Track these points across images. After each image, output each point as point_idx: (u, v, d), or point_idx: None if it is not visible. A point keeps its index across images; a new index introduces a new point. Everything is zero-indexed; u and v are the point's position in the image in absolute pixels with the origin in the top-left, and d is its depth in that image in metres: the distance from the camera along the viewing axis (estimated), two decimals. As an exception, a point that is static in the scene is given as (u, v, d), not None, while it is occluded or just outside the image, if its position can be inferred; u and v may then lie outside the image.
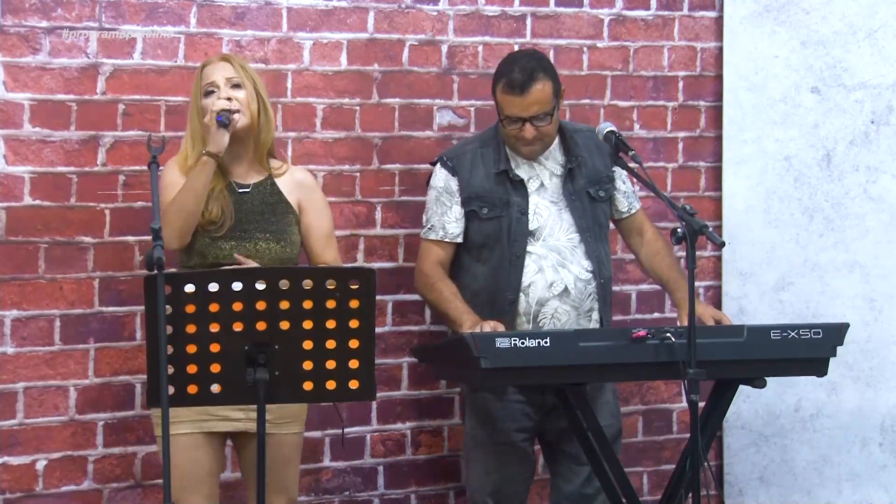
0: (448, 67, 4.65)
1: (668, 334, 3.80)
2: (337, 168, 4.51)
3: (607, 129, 4.10)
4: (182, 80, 4.23)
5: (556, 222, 4.18)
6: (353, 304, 3.38)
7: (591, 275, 4.16)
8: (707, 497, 3.73)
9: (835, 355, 3.98)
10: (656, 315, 4.88)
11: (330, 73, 4.50)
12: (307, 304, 3.35)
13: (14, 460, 4.12)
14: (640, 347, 3.81)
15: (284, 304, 3.34)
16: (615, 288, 4.50)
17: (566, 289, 4.14)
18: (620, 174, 4.30)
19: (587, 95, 4.83)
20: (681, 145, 4.99)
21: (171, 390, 3.28)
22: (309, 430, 4.46)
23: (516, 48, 4.68)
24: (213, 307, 3.31)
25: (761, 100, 4.99)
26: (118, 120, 4.22)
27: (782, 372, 4.10)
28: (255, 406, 3.70)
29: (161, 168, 3.66)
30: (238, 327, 3.33)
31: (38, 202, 4.13)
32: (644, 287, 4.83)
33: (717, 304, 4.97)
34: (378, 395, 4.37)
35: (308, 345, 3.37)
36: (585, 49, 4.81)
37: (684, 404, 4.38)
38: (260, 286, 3.32)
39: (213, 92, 3.84)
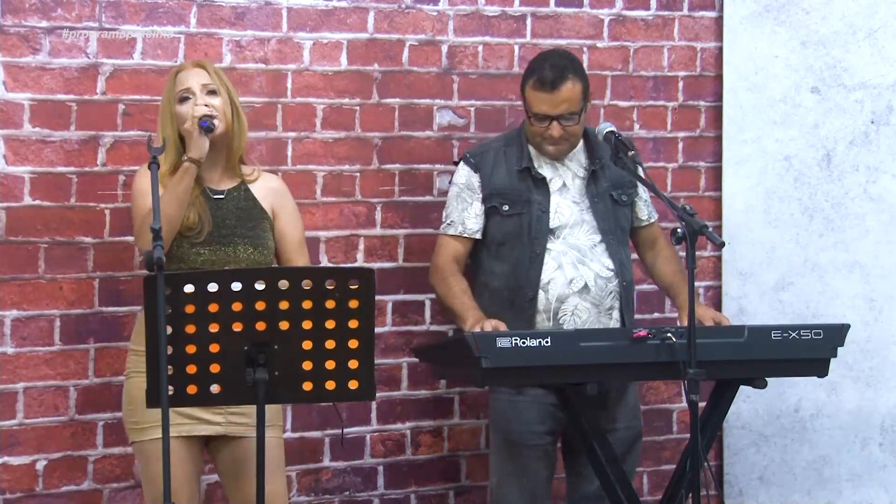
0: (448, 67, 4.65)
1: (669, 334, 3.80)
2: (337, 168, 4.51)
3: (607, 130, 4.10)
4: (182, 80, 4.24)
5: (578, 222, 4.19)
6: (353, 304, 3.37)
7: (612, 273, 4.16)
8: (707, 497, 3.73)
9: (835, 356, 3.98)
10: (656, 315, 4.88)
11: (330, 73, 4.50)
12: (307, 305, 3.35)
13: (14, 460, 4.12)
14: (640, 347, 3.81)
15: (284, 305, 3.34)
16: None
17: (586, 285, 4.14)
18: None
19: (587, 95, 4.83)
20: (681, 145, 4.99)
21: (171, 390, 3.28)
22: (309, 430, 4.47)
23: (516, 48, 4.69)
24: (213, 307, 3.31)
25: (761, 100, 4.99)
26: (118, 120, 4.22)
27: (783, 372, 4.10)
28: (234, 409, 3.73)
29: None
30: (237, 327, 3.33)
31: (38, 202, 4.13)
32: (644, 287, 4.83)
33: (717, 304, 4.98)
34: (378, 395, 4.37)
35: (307, 345, 3.37)
36: (585, 49, 4.81)
37: (684, 404, 4.39)
38: (259, 286, 3.32)
39: (188, 98, 3.81)
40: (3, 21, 4.08)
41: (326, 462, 4.53)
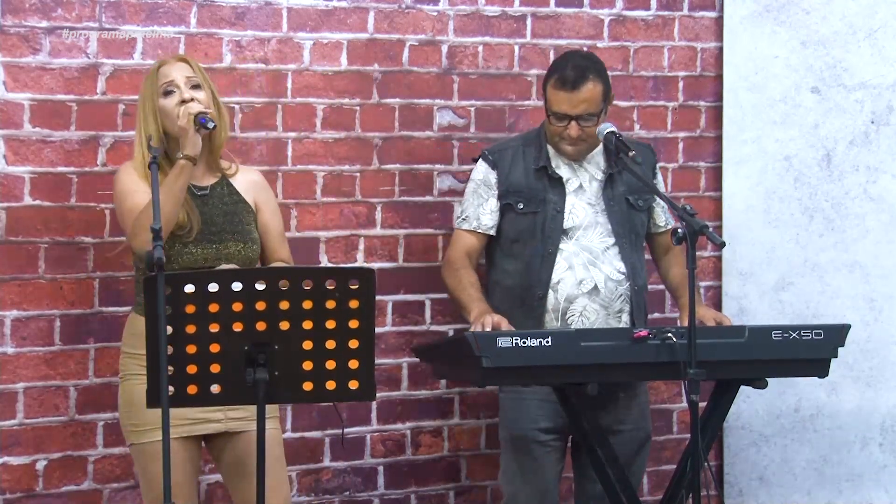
0: (448, 67, 4.65)
1: (669, 334, 3.80)
2: (337, 168, 4.51)
3: (608, 130, 4.10)
4: (182, 80, 4.24)
5: (592, 224, 4.19)
6: (353, 304, 3.37)
7: (623, 276, 4.17)
8: (707, 497, 3.73)
9: (836, 356, 3.98)
10: (657, 315, 4.88)
11: (330, 73, 4.50)
12: (307, 305, 3.35)
13: (14, 460, 4.12)
14: (640, 347, 3.81)
15: (284, 305, 3.34)
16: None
17: (595, 287, 4.14)
18: (661, 188, 4.31)
19: (587, 95, 4.83)
20: (681, 145, 4.99)
21: (171, 390, 3.28)
22: (309, 430, 4.47)
23: (516, 48, 4.69)
24: (213, 307, 3.30)
25: (761, 100, 4.99)
26: (118, 120, 4.21)
27: (783, 373, 4.10)
28: (234, 405, 3.71)
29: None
30: (238, 327, 3.33)
31: (38, 202, 4.13)
32: (644, 287, 4.83)
33: (718, 304, 4.97)
34: (378, 395, 4.37)
35: (308, 345, 3.37)
36: (585, 49, 4.80)
37: (684, 404, 4.39)
38: (260, 286, 3.32)
39: (172, 92, 3.79)
40: (3, 21, 4.08)
41: (327, 462, 4.53)
